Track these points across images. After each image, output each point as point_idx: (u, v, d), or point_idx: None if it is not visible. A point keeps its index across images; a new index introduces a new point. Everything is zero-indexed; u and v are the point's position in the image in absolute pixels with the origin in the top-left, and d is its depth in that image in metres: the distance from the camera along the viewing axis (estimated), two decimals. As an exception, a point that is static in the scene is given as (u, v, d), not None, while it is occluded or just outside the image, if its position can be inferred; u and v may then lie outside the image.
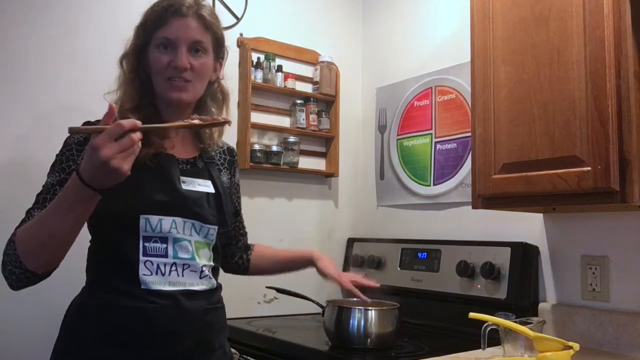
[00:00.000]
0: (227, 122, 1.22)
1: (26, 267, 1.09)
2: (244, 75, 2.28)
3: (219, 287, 1.38)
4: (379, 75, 2.59)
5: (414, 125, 2.38)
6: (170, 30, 1.27)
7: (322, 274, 1.62)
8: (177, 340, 1.24)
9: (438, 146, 2.27)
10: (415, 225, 2.33)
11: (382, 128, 2.55)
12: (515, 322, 1.48)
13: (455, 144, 2.20)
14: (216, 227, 1.34)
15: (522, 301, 1.82)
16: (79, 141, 1.23)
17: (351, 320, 1.70)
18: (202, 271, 1.31)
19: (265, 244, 1.72)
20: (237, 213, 1.58)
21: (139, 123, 1.03)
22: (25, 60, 1.82)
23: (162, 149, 1.30)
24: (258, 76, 2.31)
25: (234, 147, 1.86)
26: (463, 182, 2.14)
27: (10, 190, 1.73)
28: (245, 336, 1.93)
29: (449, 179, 2.20)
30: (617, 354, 1.60)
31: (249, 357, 1.84)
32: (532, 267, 1.85)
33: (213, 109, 1.39)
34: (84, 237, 1.28)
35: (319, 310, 1.82)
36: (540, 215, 1.86)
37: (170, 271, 1.25)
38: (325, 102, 2.51)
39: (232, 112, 2.22)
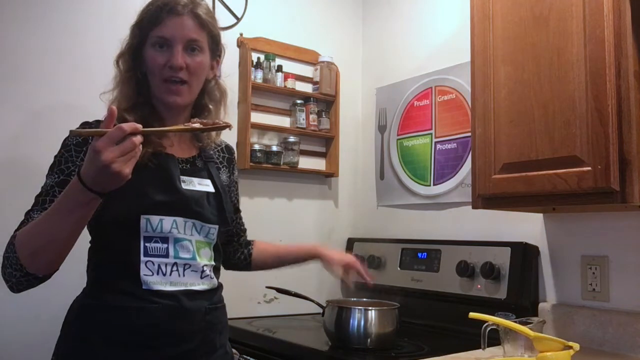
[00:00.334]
0: (229, 126, 1.22)
1: (27, 270, 1.09)
2: (244, 75, 2.28)
3: (219, 287, 1.38)
4: (379, 75, 2.59)
5: (414, 125, 2.38)
6: (166, 29, 1.27)
7: (330, 265, 1.61)
8: (179, 340, 1.24)
9: (438, 146, 2.27)
10: (415, 225, 2.33)
11: (382, 128, 2.55)
12: (515, 322, 1.48)
13: (455, 144, 2.20)
14: (217, 227, 1.34)
15: (522, 301, 1.82)
16: (78, 142, 1.23)
17: (351, 320, 1.70)
18: (203, 271, 1.31)
19: (265, 243, 1.72)
20: (237, 210, 1.58)
21: (139, 126, 1.02)
22: (24, 60, 1.82)
23: (160, 148, 1.29)
24: (258, 76, 2.31)
25: (233, 146, 1.85)
26: (463, 182, 2.14)
27: (8, 190, 1.73)
28: (245, 336, 1.94)
29: (449, 179, 2.20)
30: (617, 354, 1.60)
31: (249, 357, 1.84)
32: (532, 267, 1.85)
33: (210, 107, 1.39)
34: (85, 237, 1.28)
35: (319, 310, 1.82)
36: (540, 215, 1.86)
37: (171, 271, 1.25)
38: (325, 102, 2.51)
39: (232, 111, 2.24)
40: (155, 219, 1.24)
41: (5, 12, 1.80)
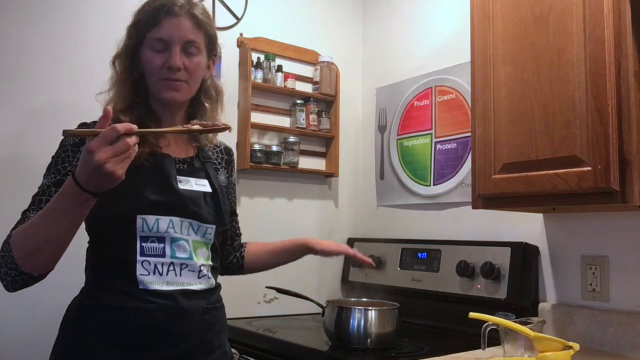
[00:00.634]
0: (228, 127, 1.22)
1: (22, 269, 1.09)
2: (244, 75, 2.28)
3: (218, 287, 1.38)
4: (379, 75, 2.59)
5: (414, 125, 2.38)
6: (163, 30, 1.27)
7: (324, 253, 1.58)
8: (177, 340, 1.24)
9: (438, 146, 2.27)
10: (415, 225, 2.33)
11: (382, 128, 2.55)
12: (515, 322, 1.48)
13: (455, 144, 2.20)
14: (214, 227, 1.34)
15: (522, 301, 1.82)
16: (75, 142, 1.23)
17: (351, 320, 1.70)
18: (200, 270, 1.31)
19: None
20: (233, 212, 1.57)
21: (134, 127, 1.03)
22: (25, 59, 1.83)
23: (157, 148, 1.30)
24: (258, 76, 2.31)
25: (233, 147, 1.86)
26: (463, 182, 2.14)
27: (6, 190, 1.73)
28: (245, 336, 1.94)
29: (449, 179, 2.20)
30: (617, 354, 1.60)
31: (249, 357, 1.84)
32: (532, 267, 1.85)
33: (207, 105, 1.39)
34: (84, 237, 1.29)
35: (319, 310, 1.82)
36: (540, 215, 1.86)
37: (168, 271, 1.25)
38: (325, 102, 2.51)
39: (232, 111, 2.24)
40: (151, 218, 1.24)
41: (7, 12, 1.80)
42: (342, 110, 2.52)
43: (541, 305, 1.82)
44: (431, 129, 2.30)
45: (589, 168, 1.36)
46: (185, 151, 1.39)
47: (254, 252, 1.61)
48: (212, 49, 1.38)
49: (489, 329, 1.51)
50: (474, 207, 1.66)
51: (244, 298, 2.22)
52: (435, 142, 2.28)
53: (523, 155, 1.51)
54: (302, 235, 2.42)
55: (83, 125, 1.28)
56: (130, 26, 1.32)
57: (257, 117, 2.32)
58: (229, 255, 1.59)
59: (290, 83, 2.40)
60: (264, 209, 2.35)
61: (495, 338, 1.53)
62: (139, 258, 1.23)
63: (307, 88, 2.49)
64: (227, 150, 1.53)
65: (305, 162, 2.46)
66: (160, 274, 1.24)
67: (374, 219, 2.53)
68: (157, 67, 1.27)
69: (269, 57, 2.35)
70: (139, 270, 1.23)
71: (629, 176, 1.32)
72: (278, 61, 2.39)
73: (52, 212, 1.07)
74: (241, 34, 2.32)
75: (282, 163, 2.36)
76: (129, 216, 1.23)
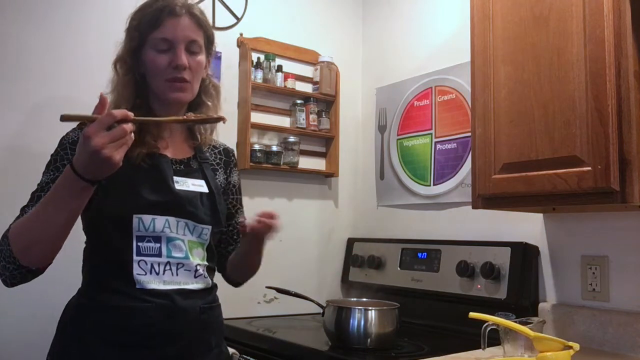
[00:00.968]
0: (221, 119, 1.23)
1: (20, 262, 1.10)
2: (244, 75, 2.28)
3: (214, 287, 1.38)
4: (379, 75, 2.59)
5: (414, 125, 2.38)
6: (167, 30, 1.28)
7: (252, 232, 1.34)
8: (173, 339, 1.24)
9: (438, 146, 2.27)
10: (415, 225, 2.33)
11: (382, 128, 2.55)
12: (515, 322, 1.48)
13: (455, 144, 2.20)
14: (210, 227, 1.34)
15: (522, 301, 1.82)
16: (73, 140, 1.23)
17: (351, 320, 1.70)
18: (196, 270, 1.31)
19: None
20: (232, 216, 1.48)
21: (130, 114, 1.03)
22: (26, 58, 1.83)
23: (155, 149, 1.30)
24: (258, 76, 2.31)
25: (233, 147, 1.85)
26: (463, 182, 2.14)
27: (5, 188, 1.73)
28: (245, 336, 1.94)
29: (449, 179, 2.20)
30: (617, 354, 1.60)
31: (249, 357, 1.84)
32: (532, 267, 1.85)
33: (208, 103, 1.39)
34: (82, 237, 1.29)
35: (319, 310, 1.82)
36: (540, 215, 1.86)
37: (164, 270, 1.26)
38: (325, 102, 2.51)
39: (232, 111, 2.24)
40: (147, 218, 1.24)
41: (7, 12, 1.80)
42: (342, 110, 2.52)
43: (541, 305, 1.82)
44: (431, 129, 2.30)
45: (589, 168, 1.36)
46: (182, 152, 1.39)
47: (231, 258, 1.50)
48: (210, 48, 1.39)
49: (489, 329, 1.51)
50: (474, 207, 1.66)
51: (244, 298, 2.21)
52: (435, 142, 2.28)
53: (523, 155, 1.51)
54: (301, 235, 2.45)
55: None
56: (131, 28, 1.32)
57: (257, 117, 2.32)
58: (224, 259, 1.49)
59: (290, 83, 2.40)
60: (264, 209, 2.34)
61: (495, 338, 1.53)
62: (135, 258, 1.23)
63: (307, 88, 2.49)
64: (227, 152, 1.52)
65: (305, 162, 2.46)
66: (157, 274, 1.24)
67: (374, 219, 2.53)
68: (162, 68, 1.28)
69: (269, 57, 2.35)
70: (136, 270, 1.23)
71: (629, 176, 1.32)
72: (278, 61, 2.39)
73: (49, 203, 1.07)
74: (241, 34, 2.32)
75: (282, 163, 2.36)
76: (126, 216, 1.23)
